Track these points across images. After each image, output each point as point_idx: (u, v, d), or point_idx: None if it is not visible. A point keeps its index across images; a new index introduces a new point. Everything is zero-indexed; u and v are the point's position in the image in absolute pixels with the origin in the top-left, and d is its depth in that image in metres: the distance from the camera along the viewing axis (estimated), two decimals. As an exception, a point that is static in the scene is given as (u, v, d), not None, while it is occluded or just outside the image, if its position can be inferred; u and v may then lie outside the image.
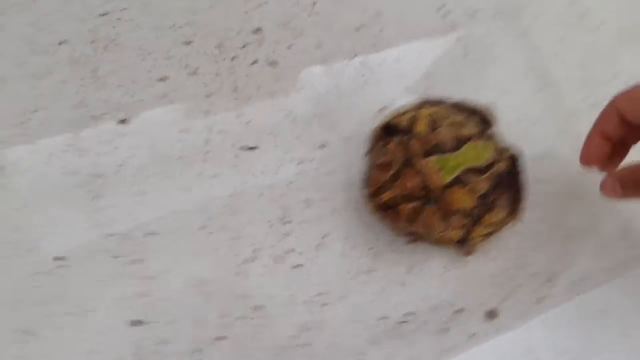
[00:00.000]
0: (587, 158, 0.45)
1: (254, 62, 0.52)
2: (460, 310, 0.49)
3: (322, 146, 0.52)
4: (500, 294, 0.50)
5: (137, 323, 0.46)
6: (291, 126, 0.52)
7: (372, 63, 0.54)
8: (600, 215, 0.53)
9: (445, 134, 0.47)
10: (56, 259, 0.46)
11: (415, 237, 0.50)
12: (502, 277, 0.51)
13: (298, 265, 0.49)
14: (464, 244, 0.48)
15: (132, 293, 0.46)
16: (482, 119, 0.51)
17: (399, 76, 0.54)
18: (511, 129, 0.51)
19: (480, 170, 0.47)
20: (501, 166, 0.48)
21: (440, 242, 0.49)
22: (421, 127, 0.48)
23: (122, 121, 0.49)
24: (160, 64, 0.51)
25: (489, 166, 0.47)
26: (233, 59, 0.52)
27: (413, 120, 0.49)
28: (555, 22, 0.58)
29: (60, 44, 0.50)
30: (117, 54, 0.51)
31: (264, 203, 0.50)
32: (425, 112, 0.50)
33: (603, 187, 0.45)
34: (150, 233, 0.48)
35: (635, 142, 0.46)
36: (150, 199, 0.48)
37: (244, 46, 0.52)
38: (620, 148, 0.46)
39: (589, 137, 0.45)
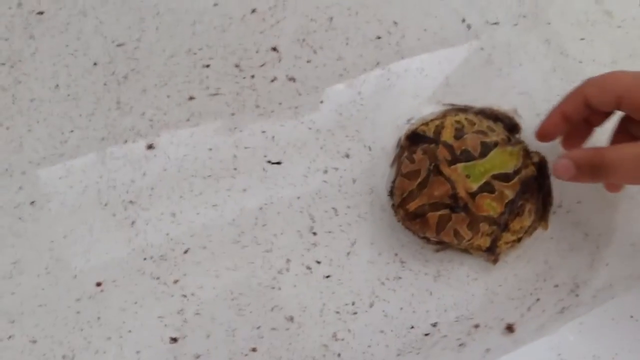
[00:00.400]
0: (543, 134, 0.47)
1: (274, 79, 0.53)
2: (478, 325, 0.49)
3: (347, 155, 0.52)
4: (523, 306, 0.50)
5: (173, 340, 0.47)
6: (315, 137, 0.52)
7: (394, 73, 0.54)
8: (626, 221, 0.52)
9: (471, 140, 0.47)
10: (97, 284, 0.47)
11: (443, 246, 0.50)
12: (526, 287, 0.50)
13: (328, 275, 0.49)
14: (491, 252, 0.48)
15: (169, 311, 0.47)
16: (507, 125, 0.51)
17: (422, 86, 0.54)
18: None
19: (507, 177, 0.47)
20: (528, 172, 0.48)
21: (468, 250, 0.49)
22: (447, 134, 0.48)
23: (150, 147, 0.50)
24: (181, 88, 0.52)
25: (516, 172, 0.47)
26: (253, 77, 0.53)
27: (439, 129, 0.49)
28: (579, 24, 0.57)
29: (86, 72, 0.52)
30: (137, 82, 0.52)
31: (292, 214, 0.50)
32: (451, 119, 0.50)
33: (556, 167, 0.44)
34: (186, 251, 0.49)
35: (598, 124, 0.47)
36: (183, 218, 0.49)
37: (262, 65, 0.53)
38: (583, 129, 0.48)
39: (550, 115, 0.46)
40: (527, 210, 0.48)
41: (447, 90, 0.54)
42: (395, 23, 0.55)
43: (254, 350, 0.47)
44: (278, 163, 0.51)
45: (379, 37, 0.55)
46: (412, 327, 0.49)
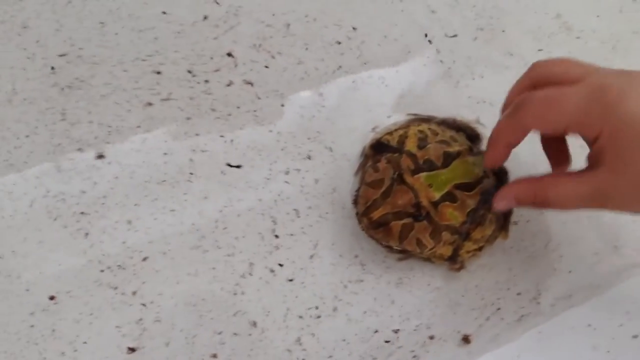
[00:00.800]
0: (491, 164, 0.46)
1: (230, 83, 0.52)
2: (433, 337, 0.49)
3: (308, 157, 0.52)
4: (482, 315, 0.50)
5: (131, 350, 0.45)
6: (276, 139, 0.52)
7: (357, 77, 0.55)
8: (587, 231, 0.53)
9: (434, 150, 0.48)
10: (50, 298, 0.46)
11: (406, 255, 0.50)
12: (487, 295, 0.51)
13: (292, 278, 0.49)
14: (454, 260, 0.49)
15: (127, 321, 0.46)
16: (469, 136, 0.52)
17: (384, 94, 0.55)
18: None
19: (469, 186, 0.47)
20: (489, 182, 0.49)
21: (430, 259, 0.50)
22: (411, 144, 0.49)
23: (99, 156, 0.49)
24: (130, 95, 0.51)
25: (478, 182, 0.48)
26: (207, 82, 0.52)
27: (403, 138, 0.49)
28: (536, 36, 0.59)
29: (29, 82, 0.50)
30: (82, 92, 0.50)
31: (254, 216, 0.50)
32: (414, 129, 0.50)
33: (496, 202, 0.45)
34: (144, 259, 0.48)
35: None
36: (140, 225, 0.48)
37: (217, 70, 0.52)
38: (559, 146, 0.46)
39: (494, 146, 0.44)
40: (488, 220, 0.49)
41: (411, 100, 0.55)
42: (355, 29, 0.56)
43: (214, 356, 0.46)
44: (238, 167, 0.51)
45: (339, 42, 0.55)
46: (376, 332, 0.48)
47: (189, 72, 0.52)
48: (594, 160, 0.40)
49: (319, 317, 0.48)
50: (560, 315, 0.50)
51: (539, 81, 0.42)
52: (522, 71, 0.44)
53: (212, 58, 0.52)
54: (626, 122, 0.36)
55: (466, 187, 0.47)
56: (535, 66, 0.43)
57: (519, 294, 0.51)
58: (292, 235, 0.50)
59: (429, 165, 0.47)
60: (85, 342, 0.45)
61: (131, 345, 0.45)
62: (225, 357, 0.46)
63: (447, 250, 0.48)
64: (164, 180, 0.49)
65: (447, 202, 0.46)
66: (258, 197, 0.50)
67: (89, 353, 0.45)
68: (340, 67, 0.55)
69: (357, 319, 0.49)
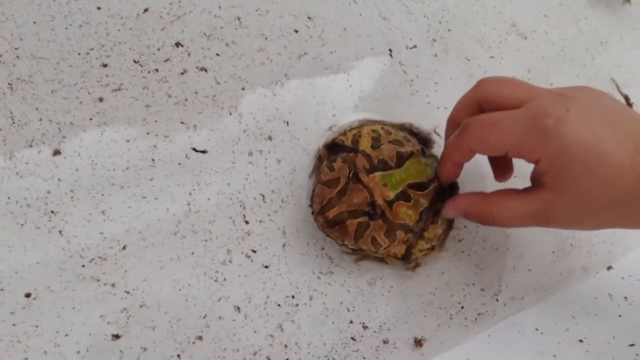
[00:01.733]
0: (445, 180, 0.48)
1: (184, 71, 0.52)
2: (387, 341, 0.50)
3: (269, 138, 0.52)
4: (434, 317, 0.51)
5: (116, 337, 0.45)
6: (237, 121, 0.52)
7: (318, 62, 0.55)
8: (537, 235, 0.55)
9: (387, 151, 0.48)
10: (26, 295, 0.44)
11: (361, 255, 0.51)
12: (438, 297, 0.52)
13: (267, 265, 0.49)
14: (406, 259, 0.49)
15: (112, 309, 0.46)
16: (422, 140, 0.53)
17: (343, 93, 0.55)
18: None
19: (422, 186, 0.48)
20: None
21: (384, 259, 0.50)
22: (365, 143, 0.49)
23: (56, 152, 0.47)
24: (79, 89, 0.49)
25: (430, 182, 0.49)
26: (157, 70, 0.51)
27: (357, 137, 0.50)
28: (489, 44, 0.62)
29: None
30: (26, 91, 0.49)
31: (223, 201, 0.50)
32: (367, 129, 0.51)
33: (445, 211, 0.47)
34: (124, 247, 0.47)
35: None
36: (114, 214, 0.47)
37: (167, 60, 0.52)
38: (502, 160, 0.49)
39: (444, 164, 0.46)
40: (440, 219, 0.50)
41: (367, 103, 0.55)
42: (310, 18, 0.56)
43: (199, 338, 0.46)
44: (204, 151, 0.50)
45: (296, 31, 0.55)
46: (351, 322, 0.49)
47: (136, 62, 0.51)
48: (535, 181, 0.42)
49: (297, 305, 0.49)
50: (508, 320, 0.51)
51: (485, 100, 0.43)
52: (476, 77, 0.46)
53: (159, 49, 0.52)
54: (563, 147, 0.38)
55: (419, 186, 0.48)
56: (481, 85, 0.44)
57: (469, 295, 0.52)
58: (261, 222, 0.50)
59: (383, 165, 0.47)
60: (67, 335, 0.44)
61: (116, 332, 0.45)
62: (210, 339, 0.47)
63: (400, 249, 0.48)
64: (127, 168, 0.48)
65: (401, 201, 0.47)
66: (226, 181, 0.50)
67: (73, 343, 0.44)
68: (305, 53, 0.55)
69: (334, 307, 0.50)
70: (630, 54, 0.67)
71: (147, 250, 0.47)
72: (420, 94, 0.57)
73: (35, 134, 0.48)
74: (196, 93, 0.52)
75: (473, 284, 0.52)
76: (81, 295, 0.45)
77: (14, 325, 0.44)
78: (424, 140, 0.53)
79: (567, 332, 0.50)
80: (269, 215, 0.51)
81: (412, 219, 0.47)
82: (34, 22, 0.50)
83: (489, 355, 0.49)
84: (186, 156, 0.50)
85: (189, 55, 0.52)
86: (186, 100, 0.51)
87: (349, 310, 0.50)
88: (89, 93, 0.49)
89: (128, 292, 0.46)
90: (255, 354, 0.47)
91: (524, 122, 0.40)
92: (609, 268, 0.54)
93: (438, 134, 0.55)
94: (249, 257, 0.49)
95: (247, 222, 0.50)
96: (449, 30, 0.60)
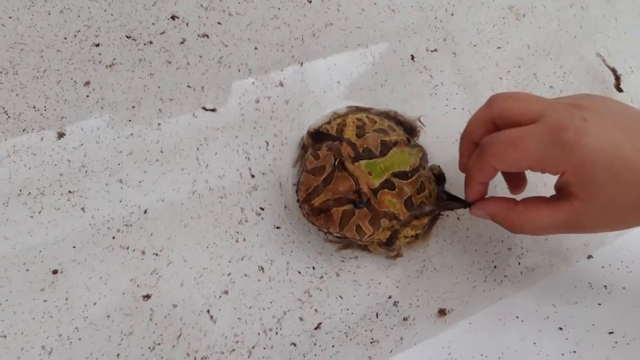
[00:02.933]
0: (472, 199, 0.47)
1: (183, 40, 0.52)
2: (407, 318, 0.51)
3: (280, 84, 0.53)
4: (419, 301, 0.52)
5: (147, 297, 0.47)
6: (247, 76, 0.53)
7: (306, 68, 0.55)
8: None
9: (372, 139, 0.49)
10: (54, 272, 0.46)
11: (345, 243, 0.51)
12: (421, 285, 0.52)
13: (279, 226, 0.51)
14: (390, 247, 0.50)
15: (142, 272, 0.48)
16: (407, 129, 0.53)
17: (330, 80, 0.56)
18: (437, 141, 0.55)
19: (406, 175, 0.48)
20: (425, 173, 0.50)
21: (369, 246, 0.51)
22: (349, 132, 0.50)
23: (60, 135, 0.48)
24: (68, 70, 0.49)
25: (414, 171, 0.49)
26: (151, 43, 0.51)
27: (341, 126, 0.50)
28: (488, 36, 0.62)
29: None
30: (13, 82, 0.49)
31: (229, 153, 0.51)
32: (352, 117, 0.51)
33: (473, 213, 0.48)
34: (145, 211, 0.48)
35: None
36: (130, 180, 0.49)
37: (162, 32, 0.52)
38: (516, 175, 0.50)
39: (470, 186, 0.46)
40: (425, 208, 0.50)
41: (356, 91, 0.56)
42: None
43: (225, 292, 0.48)
44: (213, 110, 0.51)
45: (309, 1, 0.56)
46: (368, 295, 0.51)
47: (129, 37, 0.51)
48: (561, 191, 0.42)
49: (321, 277, 0.51)
50: (489, 308, 0.52)
51: (499, 117, 0.44)
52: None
53: (154, 23, 0.52)
54: (587, 157, 0.39)
55: (403, 175, 0.48)
56: (494, 102, 0.44)
57: (453, 283, 0.53)
58: (263, 174, 0.52)
59: (368, 154, 0.48)
60: (95, 304, 0.46)
61: (146, 293, 0.47)
62: (235, 295, 0.49)
63: (384, 236, 0.49)
64: (132, 134, 0.49)
65: (386, 190, 0.47)
66: (234, 133, 0.52)
67: (103, 310, 0.46)
68: (314, 24, 0.56)
69: (361, 281, 0.51)
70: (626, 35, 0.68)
71: (168, 211, 0.49)
72: (408, 84, 0.57)
73: (33, 123, 0.48)
74: (200, 57, 0.52)
75: (457, 273, 0.53)
76: (109, 265, 0.47)
77: (45, 301, 0.45)
78: (410, 129, 0.54)
79: (547, 319, 0.50)
80: (269, 165, 0.52)
81: (396, 207, 0.48)
82: (10, 17, 0.50)
83: (470, 342, 0.49)
84: (194, 115, 0.51)
85: (187, 25, 0.52)
86: (188, 64, 0.51)
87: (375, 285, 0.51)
88: (83, 72, 0.49)
89: (156, 254, 0.48)
90: (285, 313, 0.49)
91: (544, 138, 0.40)
92: (589, 257, 0.55)
93: (422, 123, 0.55)
94: (259, 214, 0.51)
95: (252, 176, 0.51)
96: (441, 21, 0.60)
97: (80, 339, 0.45)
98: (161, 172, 0.49)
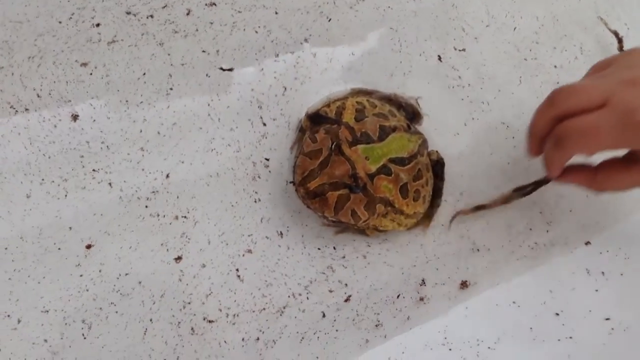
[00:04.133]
0: (555, 176, 0.48)
1: (189, 12, 0.52)
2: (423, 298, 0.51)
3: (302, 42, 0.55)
4: (415, 288, 0.52)
5: (178, 259, 0.49)
6: (265, 36, 0.54)
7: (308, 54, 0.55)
8: (518, 212, 0.55)
9: (371, 124, 0.48)
10: (88, 246, 0.48)
11: (341, 228, 0.51)
12: (416, 269, 0.53)
13: (292, 181, 0.50)
14: (386, 232, 0.50)
15: (172, 235, 0.49)
16: (409, 115, 0.53)
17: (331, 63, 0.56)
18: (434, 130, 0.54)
19: (403, 161, 0.48)
20: (423, 160, 0.50)
21: (365, 230, 0.51)
22: (348, 116, 0.49)
23: (74, 117, 0.49)
24: (67, 53, 0.50)
25: (412, 157, 0.49)
26: (152, 17, 0.52)
27: (340, 109, 0.50)
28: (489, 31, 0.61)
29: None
30: (15, 68, 0.49)
31: (242, 105, 0.53)
32: (352, 101, 0.51)
33: (554, 174, 0.48)
34: (167, 175, 0.50)
35: None
36: (151, 147, 0.50)
37: (164, 6, 0.52)
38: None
39: (551, 170, 0.47)
40: (421, 197, 0.50)
41: (358, 74, 0.55)
42: None
43: (249, 251, 0.50)
44: (230, 69, 0.52)
45: None
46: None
47: (129, 13, 0.51)
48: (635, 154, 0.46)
49: (344, 257, 0.52)
50: (486, 292, 0.52)
51: (565, 114, 0.45)
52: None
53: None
54: None
55: (400, 161, 0.48)
56: (557, 99, 0.46)
57: (446, 269, 0.53)
58: (274, 119, 0.53)
59: (366, 138, 0.47)
60: (127, 274, 0.48)
61: (177, 255, 0.49)
62: (258, 255, 0.51)
63: (379, 222, 0.49)
64: (141, 102, 0.51)
65: (382, 175, 0.47)
66: (248, 89, 0.53)
67: (135, 277, 0.48)
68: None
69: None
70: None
71: (189, 172, 0.50)
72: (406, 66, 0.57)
73: (43, 111, 0.49)
74: (211, 23, 0.52)
75: (446, 258, 0.54)
76: (139, 233, 0.49)
77: (81, 276, 0.47)
78: (411, 116, 0.53)
79: (544, 305, 0.51)
80: (281, 110, 0.53)
81: (392, 193, 0.47)
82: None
83: (467, 327, 0.50)
84: (207, 75, 0.52)
85: None
86: (197, 31, 0.52)
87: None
88: (82, 52, 0.50)
89: (185, 217, 0.50)
90: (311, 282, 0.51)
91: (617, 122, 0.42)
92: (587, 243, 0.55)
93: (419, 106, 0.55)
94: (267, 167, 0.52)
95: (264, 124, 0.53)
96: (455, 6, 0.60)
97: (117, 312, 0.47)
98: (179, 136, 0.50)
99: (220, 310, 0.48)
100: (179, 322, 0.48)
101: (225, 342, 0.48)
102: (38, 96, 0.48)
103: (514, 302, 0.51)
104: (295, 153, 0.51)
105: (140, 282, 0.48)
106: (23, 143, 0.48)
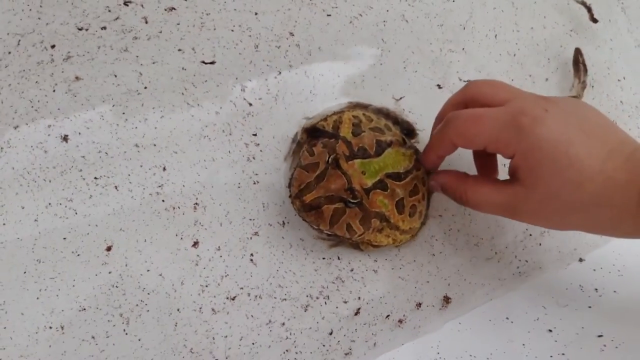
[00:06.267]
0: (429, 168, 0.50)
1: (144, 18, 0.52)
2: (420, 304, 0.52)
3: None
4: (408, 302, 0.52)
5: (195, 244, 0.50)
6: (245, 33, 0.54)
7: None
8: (508, 226, 0.56)
9: (368, 139, 0.49)
10: (107, 248, 0.48)
11: (336, 241, 0.51)
12: (410, 284, 0.53)
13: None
14: (380, 247, 0.50)
15: (186, 224, 0.50)
16: (404, 130, 0.53)
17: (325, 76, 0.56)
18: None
19: (399, 176, 0.48)
20: (419, 174, 0.50)
21: (360, 245, 0.51)
22: (345, 130, 0.49)
23: (64, 138, 0.48)
24: (39, 79, 0.49)
25: (407, 172, 0.49)
26: (104, 29, 0.51)
27: (337, 123, 0.50)
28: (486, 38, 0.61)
29: None
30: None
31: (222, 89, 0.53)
32: (348, 114, 0.51)
33: (430, 182, 0.49)
34: (165, 169, 0.50)
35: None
36: (145, 145, 0.50)
37: (116, 18, 0.51)
38: (486, 158, 0.50)
39: (427, 155, 0.49)
40: (417, 212, 0.50)
41: (354, 89, 0.55)
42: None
43: (256, 234, 0.51)
44: (212, 63, 0.52)
45: None
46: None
47: (80, 29, 0.50)
48: (511, 176, 0.43)
49: (352, 269, 0.52)
50: (479, 308, 0.52)
51: (471, 99, 0.46)
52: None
53: (105, 11, 0.51)
54: (536, 144, 0.40)
55: (396, 176, 0.48)
56: (469, 86, 0.47)
57: (440, 281, 0.53)
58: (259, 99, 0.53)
59: (363, 153, 0.48)
60: (148, 270, 0.49)
61: (194, 241, 0.50)
62: (264, 234, 0.51)
63: (374, 238, 0.49)
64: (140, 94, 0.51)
65: (378, 190, 0.47)
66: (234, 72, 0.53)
67: (155, 268, 0.49)
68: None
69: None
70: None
71: (198, 157, 0.51)
72: (406, 81, 0.57)
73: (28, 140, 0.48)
74: (178, 24, 0.52)
75: (442, 271, 0.54)
76: (153, 227, 0.49)
77: (109, 273, 0.48)
78: (407, 132, 0.53)
79: (537, 321, 0.51)
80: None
81: (388, 208, 0.48)
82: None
83: (459, 342, 0.50)
84: (183, 69, 0.52)
85: (142, 6, 0.52)
86: (161, 32, 0.52)
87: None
88: (40, 75, 0.49)
89: (197, 204, 0.50)
90: (327, 286, 0.51)
91: (503, 118, 0.42)
92: (581, 260, 0.55)
93: (411, 112, 0.56)
94: (258, 145, 0.53)
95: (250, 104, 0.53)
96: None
97: (148, 310, 0.48)
98: (170, 128, 0.51)
99: (242, 288, 0.50)
100: (200, 307, 0.49)
101: (252, 315, 0.50)
102: (15, 128, 0.48)
103: (507, 318, 0.51)
104: (290, 165, 0.52)
105: (160, 274, 0.48)
106: (17, 173, 0.47)
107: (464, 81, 0.57)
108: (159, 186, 0.50)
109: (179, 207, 0.50)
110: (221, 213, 0.51)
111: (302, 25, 0.55)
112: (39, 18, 0.50)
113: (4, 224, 0.46)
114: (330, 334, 0.50)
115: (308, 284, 0.51)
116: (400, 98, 0.55)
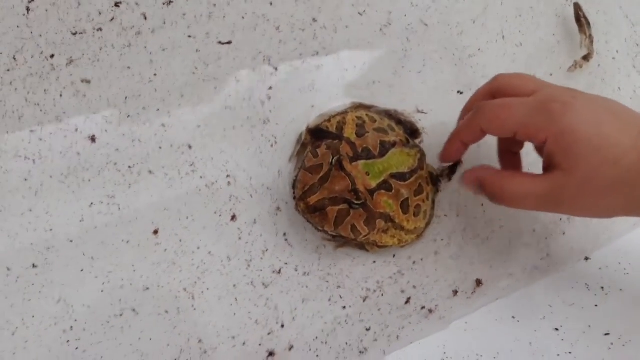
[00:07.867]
0: (446, 158, 0.50)
1: (143, 14, 0.51)
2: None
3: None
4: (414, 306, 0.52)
5: (233, 218, 0.51)
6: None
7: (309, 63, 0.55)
8: (515, 224, 0.56)
9: (372, 139, 0.49)
10: (154, 232, 0.49)
11: (341, 242, 0.51)
12: (416, 287, 0.53)
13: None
14: (385, 248, 0.50)
15: (223, 201, 0.51)
16: (408, 130, 0.53)
17: (332, 78, 0.55)
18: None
19: (403, 176, 0.49)
20: (423, 174, 0.50)
21: (366, 246, 0.51)
22: (349, 131, 0.49)
23: (92, 138, 0.49)
24: (39, 81, 0.49)
25: (412, 172, 0.49)
26: (100, 30, 0.50)
27: (341, 124, 0.50)
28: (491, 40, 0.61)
29: None
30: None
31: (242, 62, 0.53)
32: (352, 115, 0.51)
33: (464, 179, 0.47)
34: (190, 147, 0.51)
35: (516, 150, 0.51)
36: (172, 123, 0.51)
37: (112, 19, 0.51)
38: (511, 156, 0.51)
39: (450, 142, 0.48)
40: (422, 212, 0.50)
41: (360, 90, 0.55)
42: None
43: (279, 209, 0.52)
44: (229, 42, 0.52)
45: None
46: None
47: (74, 34, 0.50)
48: (547, 168, 0.43)
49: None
50: (485, 307, 0.52)
51: (498, 91, 0.46)
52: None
53: (99, 14, 0.51)
54: (568, 127, 0.40)
55: (400, 177, 0.48)
56: (497, 78, 0.47)
57: (454, 283, 0.53)
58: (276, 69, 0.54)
59: (367, 154, 0.48)
60: (199, 248, 0.50)
61: (232, 214, 0.51)
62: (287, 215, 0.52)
63: (380, 238, 0.49)
64: (151, 80, 0.51)
65: (383, 191, 0.47)
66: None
67: (204, 246, 0.50)
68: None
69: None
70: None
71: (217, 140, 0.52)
72: (412, 84, 0.57)
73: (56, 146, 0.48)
74: (184, 15, 0.52)
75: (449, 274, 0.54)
76: (192, 206, 0.50)
77: (165, 250, 0.49)
78: (410, 132, 0.53)
79: (544, 320, 0.51)
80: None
81: (393, 209, 0.48)
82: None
83: (466, 342, 0.50)
84: (197, 50, 0.52)
85: (137, 4, 0.52)
86: (164, 24, 0.52)
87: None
88: (45, 80, 0.49)
89: (228, 176, 0.51)
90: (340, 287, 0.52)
91: (532, 105, 0.42)
92: (587, 259, 0.55)
93: (422, 111, 0.56)
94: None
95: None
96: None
97: (208, 288, 0.50)
98: (193, 103, 0.51)
99: (287, 264, 0.51)
100: (252, 281, 0.51)
101: (307, 287, 0.51)
102: (40, 139, 0.48)
103: (513, 317, 0.51)
104: (295, 166, 0.52)
105: (210, 252, 0.50)
106: (57, 181, 0.48)
107: (461, 67, 0.58)
108: (191, 165, 0.50)
109: (216, 181, 0.51)
110: (250, 185, 0.52)
111: (326, 14, 0.56)
112: (31, 32, 0.49)
113: (51, 230, 0.47)
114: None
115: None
116: (421, 111, 0.56)
